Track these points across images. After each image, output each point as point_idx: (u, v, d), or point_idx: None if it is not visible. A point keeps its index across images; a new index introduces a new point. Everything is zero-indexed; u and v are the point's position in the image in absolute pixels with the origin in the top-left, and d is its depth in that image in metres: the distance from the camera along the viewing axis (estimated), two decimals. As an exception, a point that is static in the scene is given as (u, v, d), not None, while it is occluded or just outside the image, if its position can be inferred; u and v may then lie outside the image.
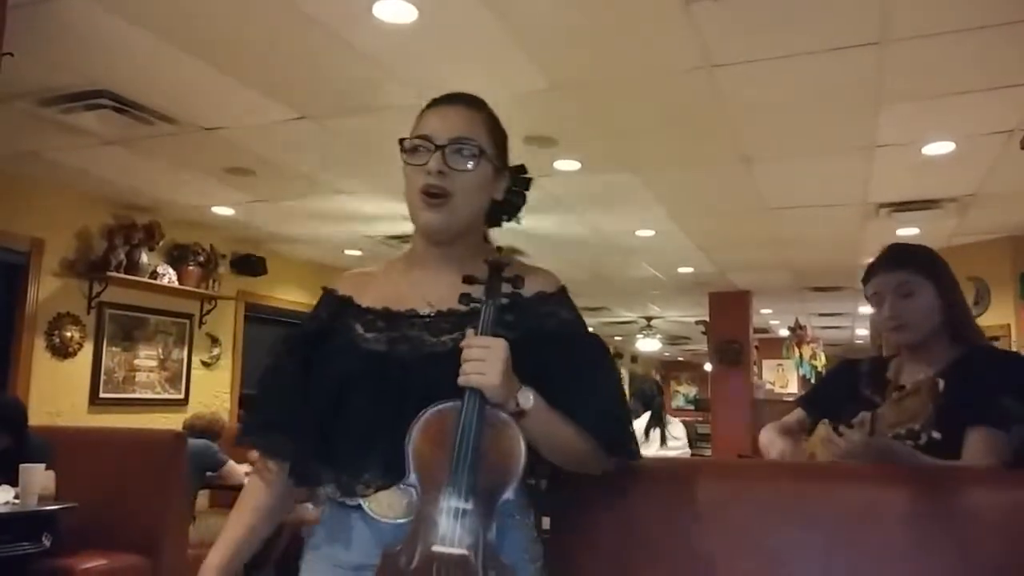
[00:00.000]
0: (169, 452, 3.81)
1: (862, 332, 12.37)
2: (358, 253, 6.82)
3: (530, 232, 5.90)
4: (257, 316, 6.75)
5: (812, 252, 6.86)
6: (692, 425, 13.37)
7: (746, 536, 1.35)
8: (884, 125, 3.76)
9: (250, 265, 6.48)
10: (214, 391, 6.29)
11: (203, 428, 4.58)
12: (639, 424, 5.21)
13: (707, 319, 9.43)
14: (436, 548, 1.10)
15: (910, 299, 1.71)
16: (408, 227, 1.33)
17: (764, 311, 10.80)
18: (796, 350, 11.24)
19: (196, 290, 5.92)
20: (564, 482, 1.38)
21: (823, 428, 1.69)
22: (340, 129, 3.91)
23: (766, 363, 13.53)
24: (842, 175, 4.63)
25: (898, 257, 1.77)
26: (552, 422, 1.17)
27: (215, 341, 6.33)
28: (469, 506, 1.10)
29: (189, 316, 6.08)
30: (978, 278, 5.78)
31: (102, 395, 5.34)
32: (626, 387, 17.12)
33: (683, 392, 19.44)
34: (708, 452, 9.08)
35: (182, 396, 5.97)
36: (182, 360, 6.04)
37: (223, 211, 5.63)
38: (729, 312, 8.94)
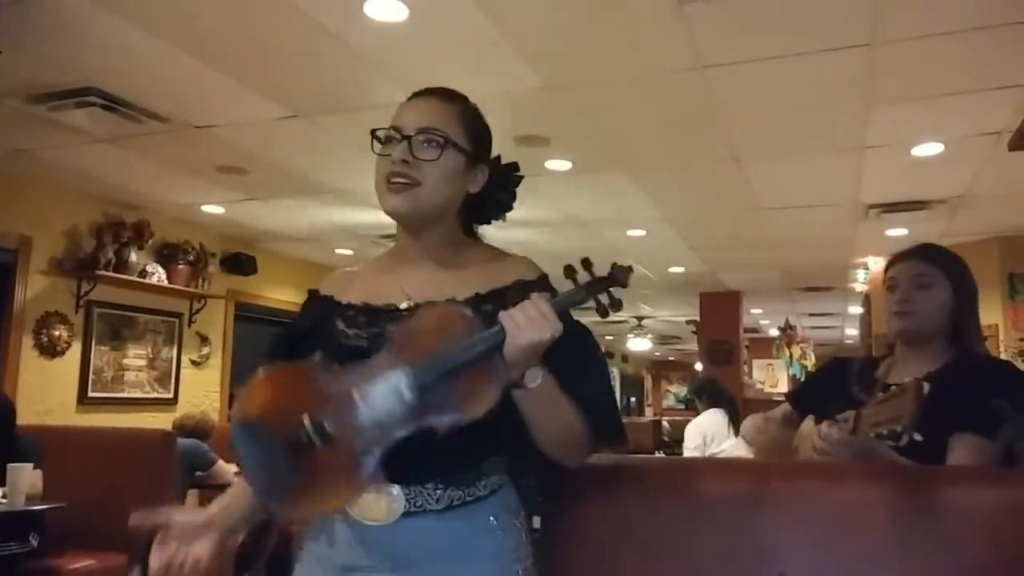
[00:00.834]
0: (158, 451, 3.80)
1: (851, 332, 12.43)
2: (349, 252, 6.81)
3: (521, 231, 5.91)
4: (247, 315, 6.73)
5: (802, 252, 6.89)
6: (683, 424, 13.43)
7: (736, 534, 1.35)
8: (874, 126, 3.78)
9: (240, 264, 6.46)
10: (204, 390, 6.26)
11: (192, 428, 4.57)
12: (708, 419, 5.19)
13: (698, 319, 9.47)
14: (355, 397, 1.07)
15: (925, 291, 1.71)
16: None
17: (754, 311, 10.84)
18: (786, 350, 11.31)
19: (186, 289, 5.89)
20: (555, 480, 1.38)
21: (808, 424, 1.70)
22: (331, 127, 3.90)
23: (756, 363, 13.60)
24: (832, 176, 4.66)
25: (925, 251, 1.79)
26: (552, 406, 1.17)
27: (205, 340, 6.30)
28: (408, 398, 1.07)
29: (178, 315, 6.05)
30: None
31: (91, 394, 5.31)
32: (617, 388, 17.16)
33: (674, 392, 19.50)
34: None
35: (171, 395, 5.94)
36: (171, 359, 6.01)
37: (213, 209, 5.61)
38: (720, 312, 8.98)
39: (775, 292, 9.12)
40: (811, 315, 11.22)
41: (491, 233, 1.40)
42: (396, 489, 1.15)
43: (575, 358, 1.20)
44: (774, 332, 12.03)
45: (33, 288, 4.96)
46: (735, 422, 5.14)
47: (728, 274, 8.08)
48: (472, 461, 1.19)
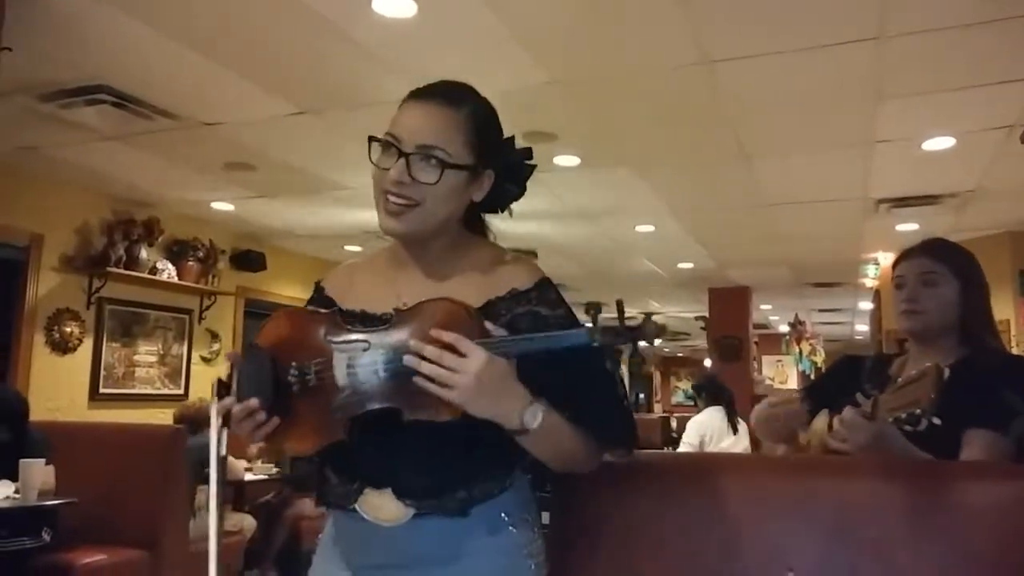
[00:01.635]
0: (168, 447, 3.82)
1: (861, 328, 12.38)
2: (357, 248, 6.82)
3: (529, 228, 5.91)
4: (257, 311, 6.75)
5: (811, 248, 6.86)
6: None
7: (745, 529, 1.35)
8: (883, 121, 3.76)
9: (249, 260, 6.48)
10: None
11: (193, 417, 4.57)
12: (707, 416, 5.22)
13: (707, 315, 9.44)
14: (345, 360, 1.12)
15: (932, 288, 1.69)
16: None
17: (764, 307, 10.81)
18: (796, 346, 11.26)
19: (196, 285, 5.92)
20: (562, 477, 1.38)
21: (820, 419, 1.69)
22: (340, 124, 3.90)
23: (766, 359, 13.55)
24: (841, 171, 4.63)
25: (932, 247, 1.77)
26: (559, 435, 1.13)
27: (215, 336, 6.33)
28: (382, 376, 1.10)
29: (189, 311, 6.08)
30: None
31: (102, 390, 5.34)
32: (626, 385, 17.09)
33: (682, 388, 19.45)
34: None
35: (182, 391, 5.97)
36: (182, 355, 6.04)
37: (223, 206, 5.63)
38: (729, 308, 8.94)
39: (784, 288, 9.08)
40: (821, 311, 11.17)
41: (499, 228, 1.36)
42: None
43: (564, 370, 1.12)
44: (784, 328, 11.98)
45: (45, 285, 4.99)
46: (733, 420, 5.17)
47: (737, 270, 8.06)
48: (477, 470, 1.17)
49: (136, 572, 3.57)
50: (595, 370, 1.16)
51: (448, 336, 1.05)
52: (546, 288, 1.19)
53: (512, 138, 1.28)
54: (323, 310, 1.21)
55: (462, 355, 1.04)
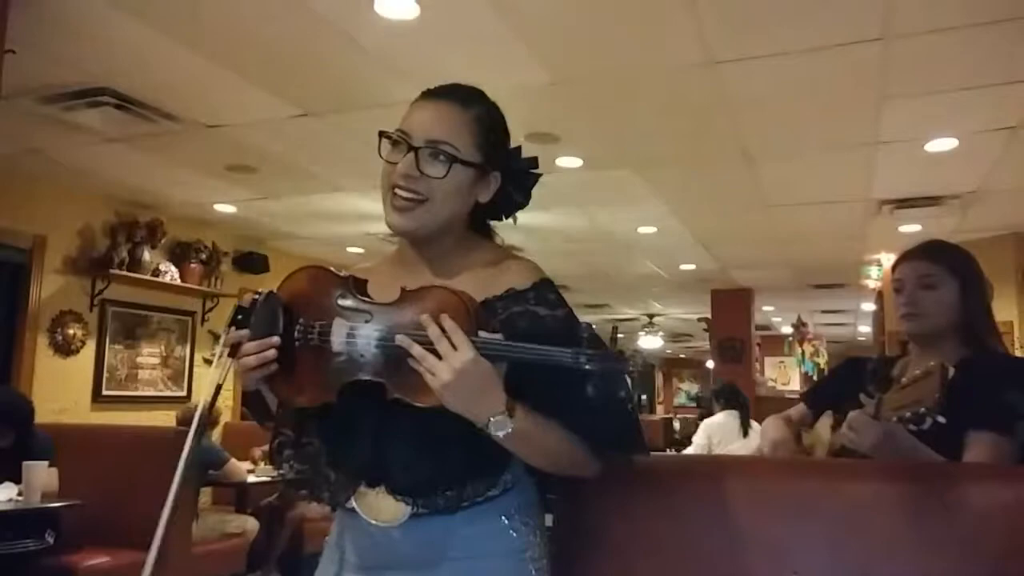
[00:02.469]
0: (171, 449, 3.81)
1: (864, 329, 12.36)
2: (360, 250, 6.82)
3: (532, 228, 5.91)
4: (259, 313, 6.75)
5: (814, 249, 6.86)
6: (695, 422, 13.39)
7: (750, 532, 1.35)
8: (887, 121, 3.75)
9: (252, 262, 6.49)
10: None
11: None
12: (720, 419, 5.42)
13: (709, 316, 9.43)
14: (347, 327, 1.15)
15: (930, 291, 1.69)
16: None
17: (766, 308, 10.80)
18: (798, 347, 11.25)
19: (198, 287, 5.93)
20: (566, 479, 1.38)
21: (823, 423, 1.68)
22: (343, 125, 3.91)
23: (768, 360, 13.52)
24: (844, 172, 4.63)
25: (929, 249, 1.76)
26: (538, 440, 1.12)
27: (217, 338, 6.31)
28: (373, 350, 1.12)
29: (191, 313, 6.09)
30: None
31: (105, 392, 5.35)
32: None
33: (685, 389, 19.43)
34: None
35: (184, 393, 5.98)
36: (184, 357, 6.05)
37: (225, 208, 5.64)
38: (731, 309, 8.93)
39: (787, 289, 9.07)
40: (823, 312, 11.15)
41: (503, 230, 1.37)
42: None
43: (561, 375, 1.08)
44: (786, 329, 11.97)
45: (48, 287, 5.00)
46: (746, 424, 5.33)
47: (739, 271, 8.05)
48: (473, 473, 1.16)
49: (139, 574, 3.57)
50: (593, 393, 1.10)
51: (446, 323, 1.07)
52: (545, 288, 1.18)
53: (519, 147, 1.29)
54: (342, 273, 1.24)
55: (453, 347, 1.06)
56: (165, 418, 5.55)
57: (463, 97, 1.24)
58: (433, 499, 1.14)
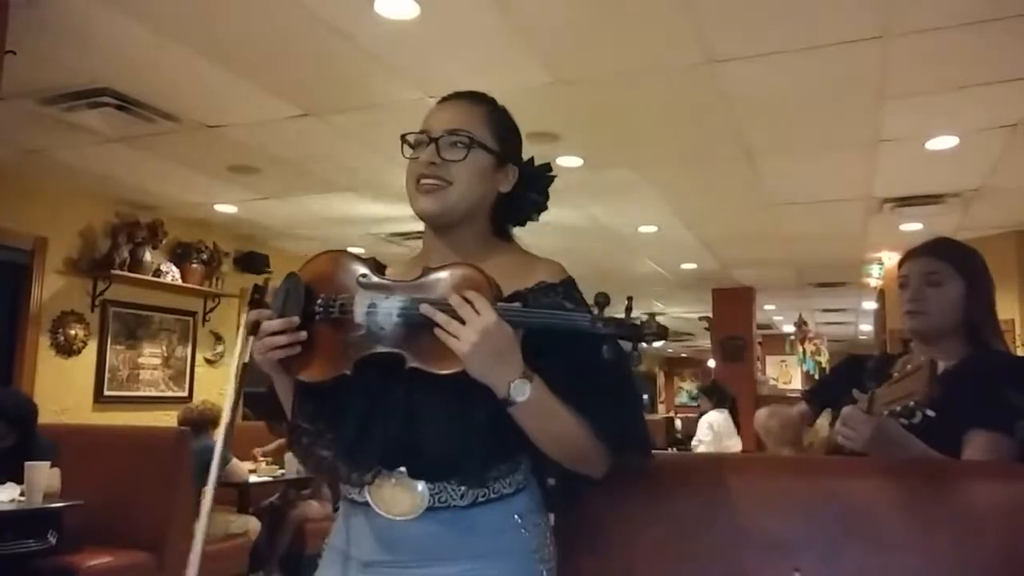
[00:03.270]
0: (173, 450, 3.82)
1: (866, 328, 12.35)
2: (361, 251, 6.79)
3: (532, 228, 5.89)
4: (260, 313, 6.75)
5: (815, 248, 6.85)
6: (695, 421, 13.39)
7: (752, 530, 1.35)
8: (888, 120, 3.75)
9: (253, 263, 6.49)
10: (218, 388, 6.29)
11: (196, 420, 4.57)
12: (716, 416, 5.61)
13: (710, 315, 9.43)
14: (367, 301, 1.17)
15: (935, 288, 1.69)
16: (412, 225, 1.33)
17: (767, 307, 10.79)
18: (799, 346, 11.25)
19: (199, 288, 5.93)
20: (570, 479, 1.38)
21: (823, 420, 1.68)
22: (343, 126, 3.91)
23: (769, 359, 13.53)
24: (845, 170, 4.63)
25: (936, 247, 1.76)
26: (551, 416, 1.14)
27: (218, 339, 6.34)
28: (395, 320, 1.15)
29: (192, 314, 6.09)
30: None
31: (106, 393, 5.36)
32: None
33: (686, 388, 19.44)
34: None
35: (186, 394, 5.98)
36: (186, 358, 6.05)
37: (226, 209, 5.64)
38: (732, 308, 8.93)
39: (788, 288, 9.07)
40: (825, 311, 11.15)
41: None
42: (420, 484, 1.15)
43: (584, 369, 1.15)
44: (788, 328, 11.96)
45: (49, 288, 5.00)
46: (737, 422, 5.41)
47: (741, 270, 8.05)
48: (494, 458, 1.18)
49: (141, 574, 3.57)
50: (605, 368, 1.15)
51: (468, 293, 1.11)
52: (572, 287, 1.26)
53: (532, 158, 1.36)
54: (360, 257, 1.28)
55: (476, 312, 1.09)
56: (167, 418, 5.55)
57: (473, 96, 1.33)
58: (450, 490, 1.15)
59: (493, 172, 1.29)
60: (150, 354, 5.75)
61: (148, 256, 5.46)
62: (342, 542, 1.25)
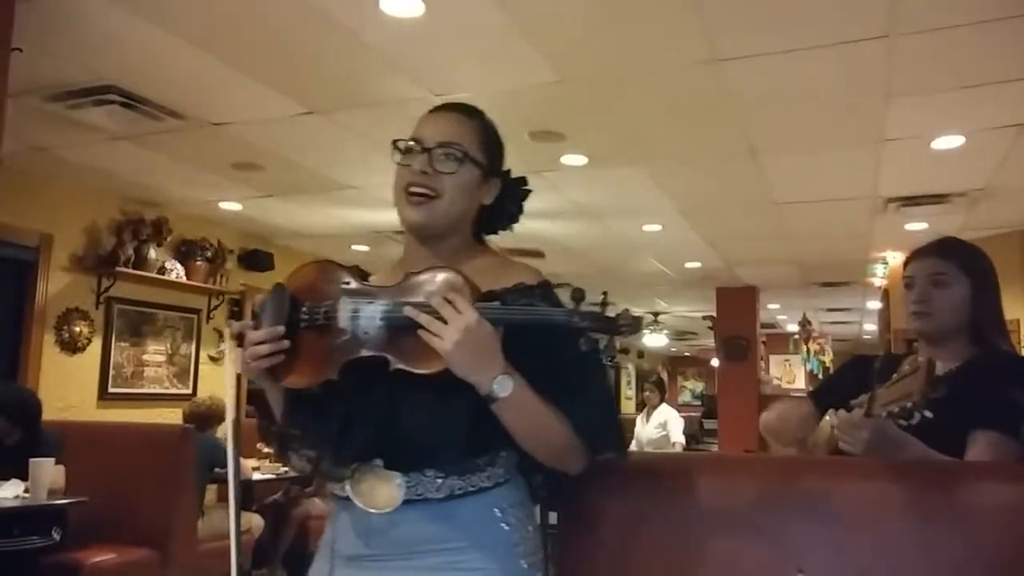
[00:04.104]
0: (177, 447, 3.83)
1: (870, 327, 12.32)
2: (365, 248, 6.83)
3: (537, 227, 5.90)
4: (264, 311, 6.76)
5: (820, 247, 6.84)
6: (698, 420, 13.39)
7: (755, 530, 1.35)
8: (893, 119, 3.74)
9: (257, 260, 6.50)
10: (222, 385, 6.30)
11: (203, 416, 4.57)
12: (670, 414, 5.66)
13: (714, 314, 9.41)
14: (351, 307, 1.20)
15: (942, 289, 1.68)
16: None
17: (771, 306, 10.78)
18: (803, 346, 11.22)
19: (204, 285, 5.94)
20: (570, 477, 1.38)
21: (828, 420, 1.68)
22: (348, 123, 3.91)
23: (773, 358, 13.49)
24: (850, 169, 4.61)
25: (942, 247, 1.75)
26: (532, 412, 1.17)
27: (223, 336, 6.35)
28: (378, 324, 1.17)
29: (197, 311, 6.10)
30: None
31: (111, 390, 5.37)
32: (632, 385, 17.11)
33: (690, 387, 19.42)
34: (715, 447, 9.09)
35: (190, 391, 5.99)
36: (190, 355, 6.06)
37: (231, 206, 5.65)
38: (736, 307, 8.91)
39: (792, 287, 9.05)
40: (829, 310, 11.12)
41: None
42: (398, 477, 1.17)
43: (559, 368, 1.20)
44: (792, 327, 11.94)
45: (54, 285, 5.02)
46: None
47: (745, 269, 8.03)
48: (471, 450, 1.20)
49: (145, 571, 3.59)
50: (582, 363, 1.23)
51: (449, 294, 1.14)
52: (548, 288, 1.27)
53: (509, 170, 1.40)
54: (344, 266, 1.31)
55: (458, 311, 1.12)
56: (171, 415, 5.57)
57: (466, 110, 1.36)
58: (426, 483, 1.17)
59: (479, 186, 1.33)
60: (154, 351, 5.76)
61: (153, 253, 5.47)
62: (330, 537, 1.28)
